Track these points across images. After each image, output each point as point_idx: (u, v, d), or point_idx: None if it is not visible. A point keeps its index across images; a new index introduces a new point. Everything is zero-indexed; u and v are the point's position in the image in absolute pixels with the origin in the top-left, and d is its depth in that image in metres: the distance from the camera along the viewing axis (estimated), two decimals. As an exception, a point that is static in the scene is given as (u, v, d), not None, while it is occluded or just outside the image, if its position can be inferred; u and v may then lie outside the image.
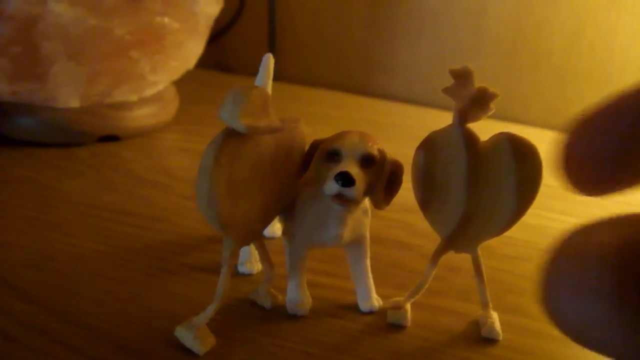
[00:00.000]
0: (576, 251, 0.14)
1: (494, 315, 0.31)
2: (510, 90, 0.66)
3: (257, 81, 0.31)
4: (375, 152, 0.27)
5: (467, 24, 0.66)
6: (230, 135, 0.24)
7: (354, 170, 0.26)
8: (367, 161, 0.26)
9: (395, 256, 0.37)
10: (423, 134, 0.60)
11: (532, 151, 0.26)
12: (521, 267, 0.37)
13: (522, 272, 0.37)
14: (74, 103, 0.49)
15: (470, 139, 0.26)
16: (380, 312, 0.31)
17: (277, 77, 0.79)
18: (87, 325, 0.29)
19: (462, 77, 0.26)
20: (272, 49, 0.73)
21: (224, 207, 0.24)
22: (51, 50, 0.45)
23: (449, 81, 0.27)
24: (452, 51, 0.67)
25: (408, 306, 0.31)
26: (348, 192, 0.25)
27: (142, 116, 0.52)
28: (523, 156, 0.26)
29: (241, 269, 0.34)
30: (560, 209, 0.44)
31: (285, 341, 0.29)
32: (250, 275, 0.34)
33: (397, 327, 0.30)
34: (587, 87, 0.63)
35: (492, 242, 0.40)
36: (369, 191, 0.27)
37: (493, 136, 0.27)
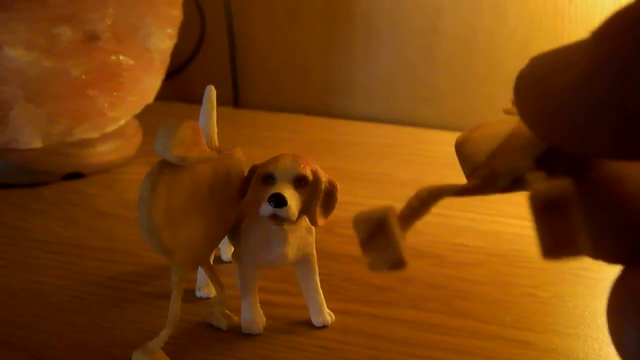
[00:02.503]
0: None
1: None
2: (466, 101, 0.68)
3: (202, 112, 0.33)
4: (308, 173, 0.28)
5: (419, 42, 0.68)
6: (165, 166, 0.25)
7: (288, 192, 0.27)
8: (300, 182, 0.28)
9: (349, 271, 0.38)
10: (382, 150, 0.62)
11: None
12: (473, 272, 0.39)
13: (474, 278, 0.38)
14: (36, 143, 0.50)
15: None
16: (333, 326, 0.33)
17: (240, 104, 0.81)
18: (48, 359, 0.30)
19: None
20: (233, 77, 0.75)
21: (165, 234, 0.25)
22: (9, 94, 0.47)
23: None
24: (407, 68, 0.69)
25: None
26: (281, 212, 0.27)
27: (105, 152, 0.53)
28: None
29: (198, 293, 0.35)
30: (514, 214, 0.46)
31: (240, 360, 0.30)
32: (208, 299, 0.35)
33: (351, 339, 0.32)
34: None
35: (446, 251, 0.41)
36: (304, 210, 0.28)
37: None
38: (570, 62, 0.13)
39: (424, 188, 0.17)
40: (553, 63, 0.14)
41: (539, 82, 0.14)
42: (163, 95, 0.58)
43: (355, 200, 0.48)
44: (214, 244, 0.29)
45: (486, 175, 0.17)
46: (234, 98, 0.76)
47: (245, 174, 0.30)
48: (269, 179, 0.28)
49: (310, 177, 0.28)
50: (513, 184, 0.16)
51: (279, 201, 0.27)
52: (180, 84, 0.77)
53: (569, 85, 0.13)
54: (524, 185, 0.16)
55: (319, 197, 0.28)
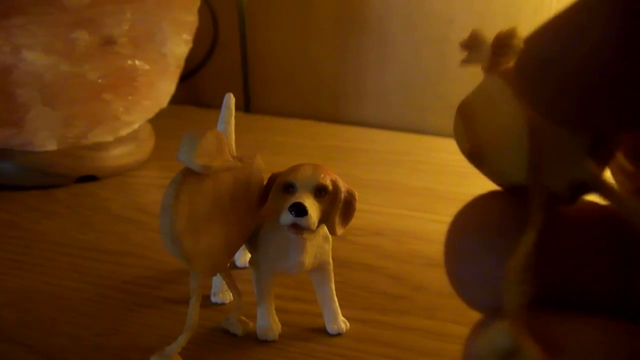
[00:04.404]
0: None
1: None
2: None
3: (220, 119, 0.33)
4: (328, 183, 0.28)
5: (431, 50, 0.68)
6: (189, 174, 0.26)
7: (308, 201, 0.27)
8: (320, 191, 0.28)
9: (363, 279, 0.38)
10: (393, 158, 0.62)
11: None
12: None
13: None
14: (51, 146, 0.50)
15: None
16: (348, 333, 0.33)
17: (251, 110, 0.81)
18: (65, 361, 0.30)
19: (472, 45, 0.22)
20: (245, 83, 0.75)
21: (186, 241, 0.26)
22: (27, 97, 0.47)
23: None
24: (418, 77, 0.70)
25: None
26: (301, 221, 0.27)
27: (118, 155, 0.54)
28: None
29: (214, 299, 0.35)
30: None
31: (256, 366, 0.30)
32: (223, 304, 0.35)
33: (365, 347, 0.32)
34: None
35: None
36: (324, 219, 0.29)
37: None
38: (582, 30, 0.11)
39: (509, 280, 0.13)
40: (559, 37, 0.12)
41: (551, 65, 0.12)
42: (174, 98, 0.59)
43: (366, 208, 0.49)
44: (233, 251, 0.30)
45: (544, 201, 0.14)
46: (245, 103, 0.76)
47: (265, 182, 0.30)
48: (289, 188, 0.28)
49: (330, 187, 0.29)
50: (577, 193, 0.14)
51: (300, 210, 0.27)
52: (192, 88, 0.78)
53: (595, 57, 0.11)
54: (590, 189, 0.13)
55: (338, 206, 0.29)
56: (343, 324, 0.33)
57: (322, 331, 0.33)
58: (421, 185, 0.54)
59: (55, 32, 0.45)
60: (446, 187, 0.53)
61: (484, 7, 0.66)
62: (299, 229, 0.28)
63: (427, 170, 0.58)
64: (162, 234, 0.26)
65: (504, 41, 0.18)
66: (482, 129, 0.15)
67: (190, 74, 0.76)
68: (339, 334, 0.33)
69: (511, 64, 0.16)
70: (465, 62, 0.18)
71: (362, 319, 0.34)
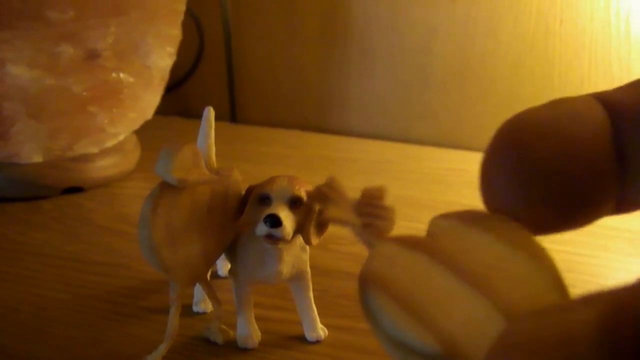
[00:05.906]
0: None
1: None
2: (459, 119, 0.69)
3: (200, 133, 0.34)
4: (302, 194, 0.29)
5: (414, 61, 0.70)
6: (166, 187, 0.26)
7: (283, 212, 0.28)
8: (295, 203, 0.29)
9: (342, 287, 0.39)
10: (377, 167, 0.63)
11: None
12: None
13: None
14: (37, 158, 0.51)
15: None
16: (326, 341, 0.33)
17: (237, 120, 0.81)
18: (48, 371, 0.31)
19: (327, 199, 0.17)
20: (231, 93, 0.76)
21: (164, 253, 0.27)
22: (12, 110, 0.48)
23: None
24: (402, 87, 0.71)
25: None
26: (276, 232, 0.28)
27: (104, 167, 0.54)
28: None
29: (195, 308, 0.36)
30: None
31: (235, 374, 0.31)
32: (204, 313, 0.36)
33: (343, 354, 0.33)
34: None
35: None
36: (299, 229, 0.29)
37: None
38: None
39: None
40: None
41: None
42: (161, 109, 0.60)
43: (349, 217, 0.49)
44: (211, 261, 0.30)
45: None
46: (231, 113, 0.77)
47: (242, 194, 0.31)
48: (265, 199, 0.29)
49: (305, 198, 0.29)
50: None
51: (275, 221, 0.28)
52: (178, 99, 0.78)
53: None
54: None
55: (312, 217, 0.30)
56: (322, 331, 0.33)
57: (301, 339, 0.33)
58: (404, 194, 0.55)
59: (39, 47, 0.46)
60: (429, 196, 0.54)
61: (465, 16, 0.67)
62: (274, 239, 0.28)
63: (411, 179, 0.58)
64: (141, 246, 0.27)
65: (373, 201, 0.16)
66: (446, 320, 0.13)
67: (176, 84, 0.76)
68: (317, 342, 0.33)
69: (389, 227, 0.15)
70: (330, 218, 0.16)
71: (340, 326, 0.35)
